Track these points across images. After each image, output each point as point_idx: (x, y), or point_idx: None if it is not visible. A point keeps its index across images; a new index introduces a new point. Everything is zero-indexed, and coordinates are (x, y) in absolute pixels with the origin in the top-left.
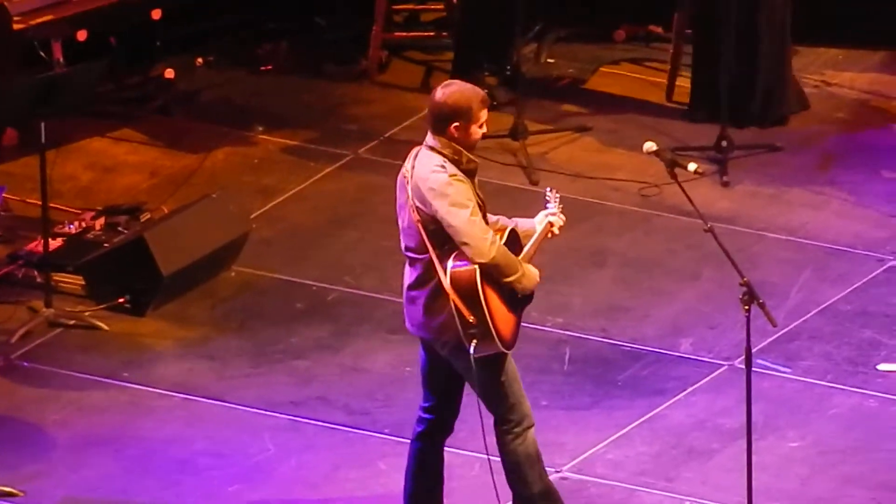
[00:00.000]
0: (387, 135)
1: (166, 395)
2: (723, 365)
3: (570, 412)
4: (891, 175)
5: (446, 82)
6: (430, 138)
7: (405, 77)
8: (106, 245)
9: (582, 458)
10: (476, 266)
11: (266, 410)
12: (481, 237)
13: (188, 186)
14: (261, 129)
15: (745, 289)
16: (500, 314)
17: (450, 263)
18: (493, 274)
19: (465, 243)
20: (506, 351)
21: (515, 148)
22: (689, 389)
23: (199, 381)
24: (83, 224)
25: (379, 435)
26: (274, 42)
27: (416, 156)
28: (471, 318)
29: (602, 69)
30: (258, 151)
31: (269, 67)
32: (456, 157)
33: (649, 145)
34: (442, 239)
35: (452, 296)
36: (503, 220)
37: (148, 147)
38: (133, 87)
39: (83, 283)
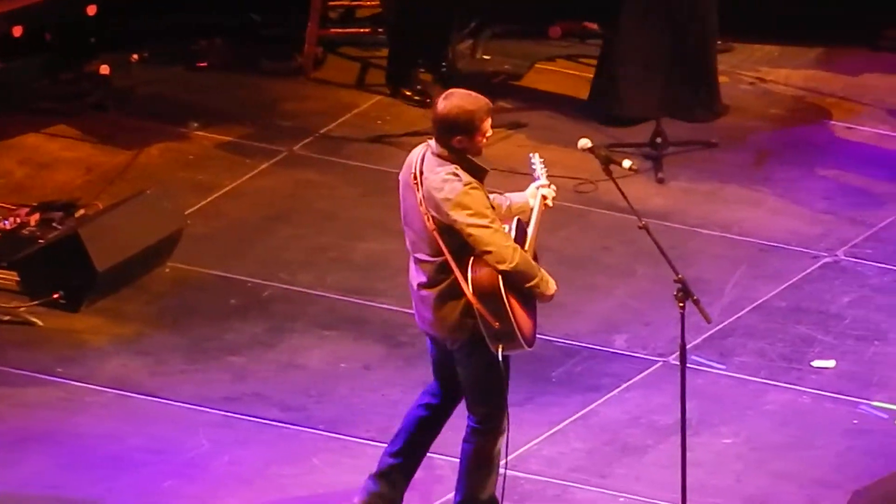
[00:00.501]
0: (322, 131)
1: (101, 391)
2: (657, 361)
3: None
4: (825, 172)
5: (448, 92)
6: (435, 146)
7: (340, 74)
8: (41, 241)
9: (516, 454)
10: (499, 273)
11: (201, 406)
12: (503, 245)
13: (123, 182)
14: (196, 125)
15: (679, 285)
16: (521, 315)
17: (469, 271)
18: (514, 280)
19: (488, 252)
20: (529, 349)
21: None
22: (624, 386)
23: (133, 377)
24: (17, 220)
25: (313, 431)
26: (209, 38)
27: (423, 159)
28: (496, 324)
29: (537, 65)
30: (193, 148)
31: (205, 64)
32: (464, 165)
33: (584, 142)
34: (458, 243)
35: (476, 303)
36: (498, 198)
37: (83, 143)
38: (68, 83)
39: (17, 279)
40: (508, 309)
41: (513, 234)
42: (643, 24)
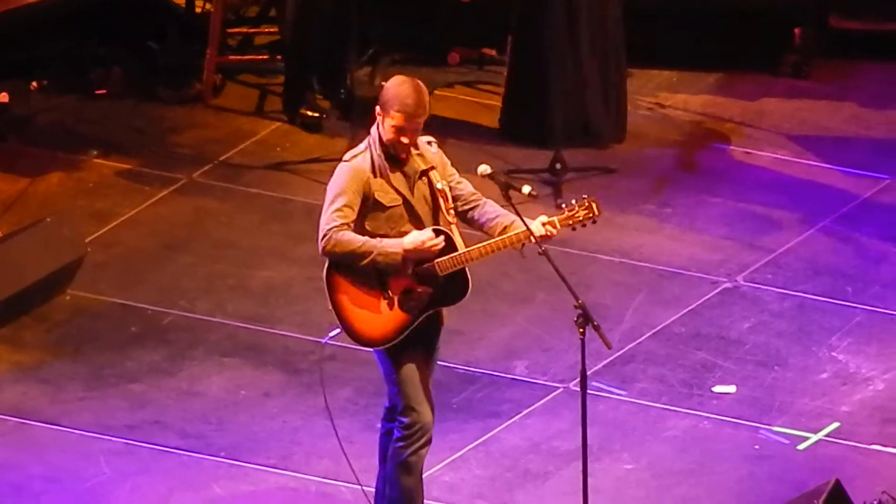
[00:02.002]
0: (221, 158)
1: (1, 419)
2: (558, 387)
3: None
4: (724, 197)
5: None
6: None
7: (239, 101)
8: None
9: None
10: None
11: (101, 434)
12: (322, 226)
13: (22, 211)
14: (95, 153)
15: (580, 311)
16: (356, 307)
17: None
18: (341, 263)
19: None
20: (360, 346)
21: None
22: (524, 412)
23: (33, 405)
24: None
25: (214, 458)
26: (107, 67)
27: None
28: (329, 306)
29: (436, 92)
30: (92, 176)
31: (104, 92)
32: (375, 145)
33: (483, 168)
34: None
35: (326, 286)
36: (503, 218)
37: None
38: None
39: None
40: (329, 296)
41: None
42: (554, 48)
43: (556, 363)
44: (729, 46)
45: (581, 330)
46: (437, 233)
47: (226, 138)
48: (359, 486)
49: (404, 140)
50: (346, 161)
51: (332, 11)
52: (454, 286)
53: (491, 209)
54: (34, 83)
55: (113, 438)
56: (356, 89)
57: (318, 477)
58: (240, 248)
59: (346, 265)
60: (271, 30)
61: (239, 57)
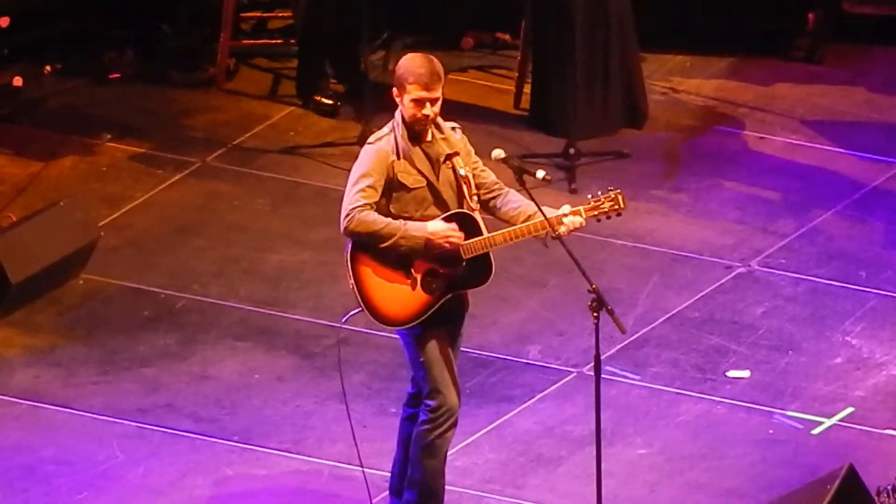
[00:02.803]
0: (234, 142)
1: (13, 402)
2: (571, 372)
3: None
4: (737, 182)
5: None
6: None
7: (253, 85)
8: None
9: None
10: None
11: (113, 418)
12: (346, 206)
13: (35, 194)
14: (108, 136)
15: (593, 295)
16: (379, 288)
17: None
18: (364, 244)
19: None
20: (383, 325)
21: None
22: (538, 396)
23: (46, 389)
24: None
25: (226, 442)
26: (120, 50)
27: None
28: (351, 284)
29: (449, 76)
30: (105, 159)
31: (117, 76)
32: (398, 126)
33: (497, 152)
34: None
35: (347, 263)
36: (526, 207)
37: None
38: None
39: None
40: (351, 276)
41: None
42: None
43: (568, 347)
44: (742, 31)
45: (595, 314)
46: (463, 216)
47: (239, 122)
48: (367, 470)
49: (425, 112)
50: (370, 143)
51: None
52: (477, 270)
53: (514, 198)
54: (48, 66)
55: (125, 422)
56: (369, 74)
57: (331, 461)
58: (252, 231)
59: (369, 245)
60: (285, 14)
61: (252, 41)
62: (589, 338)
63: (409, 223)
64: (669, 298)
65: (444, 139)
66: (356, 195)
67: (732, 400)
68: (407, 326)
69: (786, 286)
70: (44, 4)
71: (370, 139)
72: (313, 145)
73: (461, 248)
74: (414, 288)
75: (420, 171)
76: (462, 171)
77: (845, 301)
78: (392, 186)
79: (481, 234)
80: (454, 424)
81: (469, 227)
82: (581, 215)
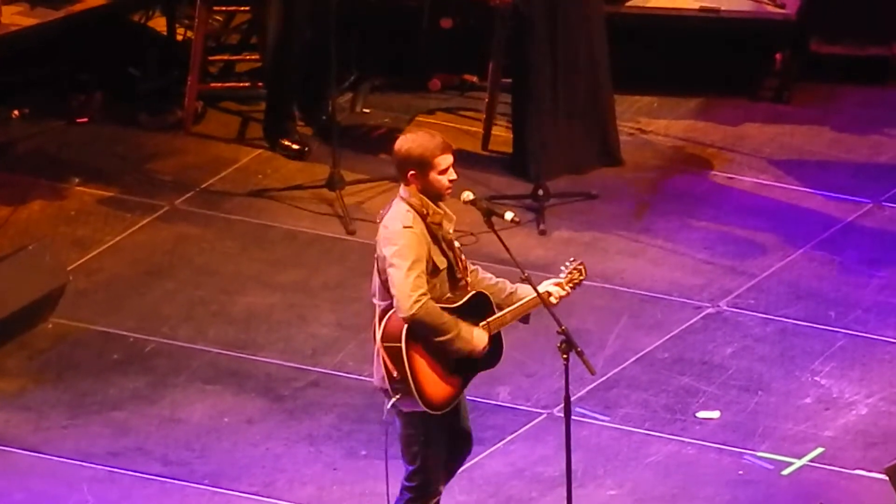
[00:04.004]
0: (203, 186)
1: None
2: (541, 413)
3: (390, 461)
4: (706, 222)
5: (411, 132)
6: (401, 188)
7: (221, 128)
8: None
9: None
10: (406, 324)
11: (83, 461)
12: (407, 292)
13: (4, 238)
14: (77, 180)
15: (563, 337)
16: (427, 374)
17: (388, 317)
18: (421, 334)
19: (394, 294)
20: (429, 410)
21: (332, 198)
22: (508, 438)
23: (15, 433)
24: None
25: (196, 485)
26: (88, 93)
27: (392, 204)
28: (395, 373)
29: (417, 118)
30: (74, 203)
31: (85, 119)
32: (423, 210)
33: (466, 195)
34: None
35: (381, 348)
36: (506, 283)
37: None
38: None
39: None
40: (405, 360)
41: (462, 303)
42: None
43: (538, 389)
44: (710, 71)
45: (564, 356)
46: (480, 295)
47: (207, 165)
48: None
49: (452, 177)
50: (407, 227)
51: (313, 38)
52: (493, 349)
53: (486, 276)
54: (15, 111)
55: (95, 466)
56: (337, 116)
57: (302, 503)
58: (221, 274)
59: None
60: (252, 57)
61: (220, 84)
62: (559, 379)
63: (463, 325)
64: (639, 339)
65: (444, 214)
66: (416, 280)
67: (703, 441)
68: (446, 411)
69: (755, 326)
70: (11, 49)
71: (404, 224)
72: (282, 188)
73: (488, 327)
74: (449, 371)
75: (444, 252)
76: (458, 246)
77: (814, 341)
78: (428, 269)
79: (493, 310)
80: (429, 498)
81: (484, 304)
82: (564, 288)
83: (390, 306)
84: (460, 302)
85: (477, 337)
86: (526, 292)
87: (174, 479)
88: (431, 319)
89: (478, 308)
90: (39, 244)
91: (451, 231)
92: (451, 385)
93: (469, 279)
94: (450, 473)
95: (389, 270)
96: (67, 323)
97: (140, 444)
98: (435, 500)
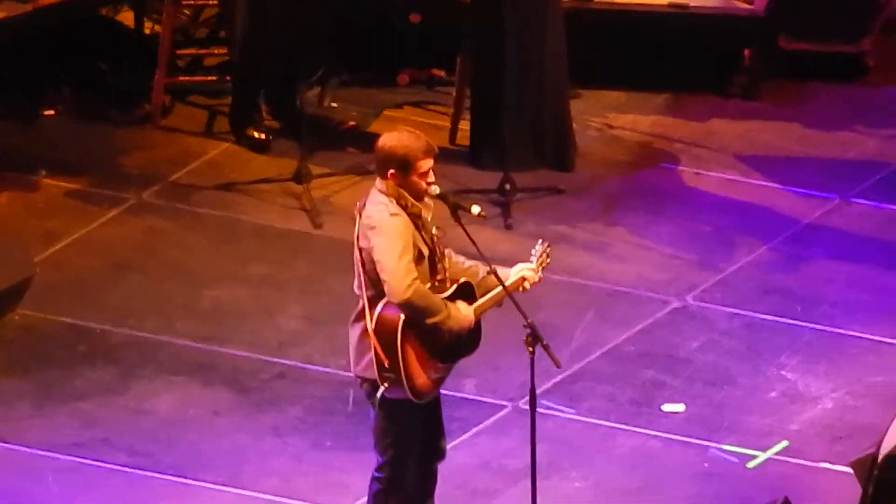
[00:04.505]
0: (170, 179)
1: None
2: (506, 406)
3: (354, 453)
4: (673, 217)
5: (397, 129)
6: (377, 181)
7: (188, 121)
8: None
9: (366, 498)
10: (402, 314)
11: (49, 452)
12: (401, 277)
13: None
14: (44, 173)
15: (529, 330)
16: (416, 362)
17: (380, 307)
18: (415, 317)
19: (385, 280)
20: (414, 399)
21: (299, 192)
22: (473, 430)
23: None
24: None
25: (162, 476)
26: (57, 87)
27: (369, 194)
28: (386, 362)
29: (385, 113)
30: (42, 196)
31: (52, 112)
32: (402, 201)
33: (433, 188)
34: (376, 280)
35: (373, 338)
36: (478, 266)
37: None
38: None
39: None
40: (399, 350)
41: (451, 292)
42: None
43: (504, 381)
44: (678, 67)
45: (530, 349)
46: (465, 284)
47: (175, 159)
48: None
49: (431, 180)
50: (394, 214)
51: (281, 33)
52: (472, 334)
53: (459, 259)
54: None
55: (61, 456)
56: (305, 111)
57: (268, 495)
58: (189, 267)
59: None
60: (220, 51)
61: (188, 78)
62: (524, 372)
63: (451, 305)
64: (605, 333)
65: (424, 206)
66: (408, 265)
67: (668, 434)
68: (430, 398)
69: (721, 321)
70: None
71: (390, 212)
72: (249, 182)
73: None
74: (433, 359)
75: (426, 242)
76: (436, 234)
77: (781, 335)
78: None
79: (476, 298)
80: (400, 490)
81: (468, 293)
82: (537, 272)
83: (376, 296)
84: (449, 291)
85: (466, 313)
86: (500, 276)
87: (140, 469)
88: (425, 301)
89: (464, 296)
90: (6, 236)
91: (429, 219)
92: (437, 372)
93: (446, 265)
94: (428, 477)
95: (379, 258)
96: (34, 314)
97: (106, 435)
98: (403, 494)
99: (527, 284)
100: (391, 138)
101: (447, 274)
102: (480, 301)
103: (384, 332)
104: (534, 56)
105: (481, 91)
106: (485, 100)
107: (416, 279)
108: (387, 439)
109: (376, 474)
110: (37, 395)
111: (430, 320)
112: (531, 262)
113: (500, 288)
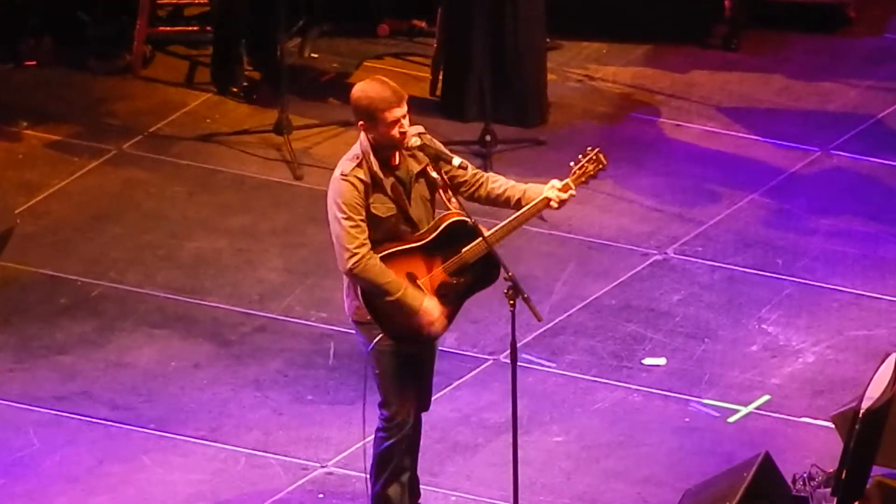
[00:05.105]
0: (150, 130)
1: None
2: (487, 360)
3: (335, 407)
4: (654, 169)
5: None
6: (361, 133)
7: (169, 72)
8: None
9: (347, 452)
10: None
11: (29, 405)
12: (344, 244)
13: None
14: (24, 124)
15: (509, 283)
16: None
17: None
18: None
19: (335, 249)
20: (409, 345)
21: (279, 143)
22: (454, 384)
23: None
24: None
25: (143, 430)
26: (37, 37)
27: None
28: (368, 316)
29: (366, 64)
30: (21, 147)
31: (33, 63)
32: (375, 156)
33: (414, 140)
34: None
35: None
36: (514, 188)
37: None
38: None
39: None
40: (377, 300)
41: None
42: (471, 27)
43: (485, 335)
44: (659, 18)
45: (511, 302)
46: (463, 223)
47: (155, 109)
48: (283, 457)
49: (403, 130)
50: (344, 175)
51: None
52: (486, 267)
53: (496, 184)
54: None
55: (42, 410)
56: (286, 61)
57: (248, 448)
58: (169, 219)
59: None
60: (201, 1)
61: (169, 28)
62: (505, 325)
63: (409, 288)
64: (586, 286)
65: (411, 156)
66: (352, 230)
67: (649, 388)
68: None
69: (702, 274)
70: None
71: (342, 172)
72: (230, 133)
73: (464, 257)
74: (444, 303)
75: (393, 199)
76: (436, 177)
77: (762, 289)
78: (367, 218)
79: (477, 235)
80: (405, 436)
81: (461, 233)
82: (571, 187)
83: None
84: (432, 236)
85: (427, 301)
86: (534, 194)
87: (121, 423)
88: (371, 276)
89: (454, 238)
90: None
91: (414, 172)
92: (445, 317)
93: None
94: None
95: (330, 218)
96: (15, 266)
97: (87, 388)
98: (409, 443)
99: (553, 204)
100: (357, 89)
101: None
102: (473, 244)
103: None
104: (507, 11)
105: (451, 45)
106: (454, 54)
107: (362, 246)
108: (381, 379)
109: (379, 415)
110: (17, 347)
111: (382, 298)
112: (567, 179)
113: (512, 218)
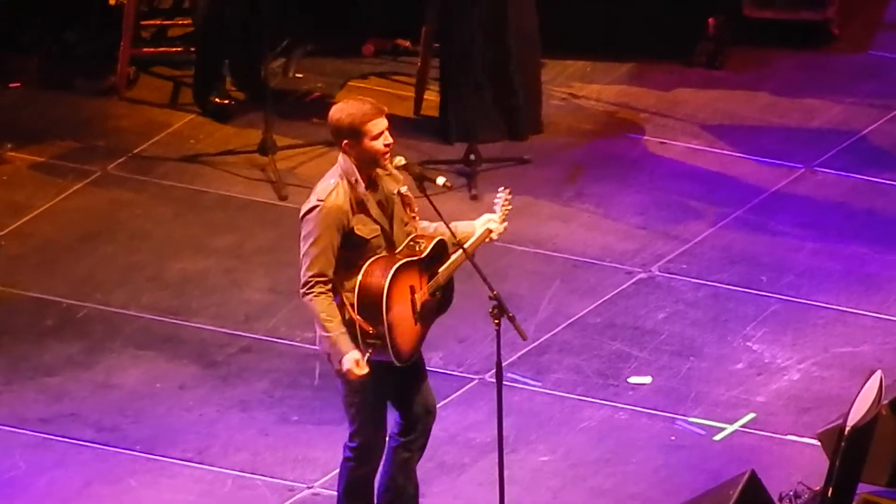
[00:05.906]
0: (135, 151)
1: None
2: (473, 379)
3: (321, 427)
4: (639, 187)
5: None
6: (340, 156)
7: (153, 93)
8: None
9: (333, 473)
10: (387, 280)
11: (16, 427)
12: (304, 272)
13: None
14: (9, 145)
15: (494, 302)
16: (399, 326)
17: (360, 276)
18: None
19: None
20: (397, 363)
21: (264, 163)
22: (440, 403)
23: None
24: None
25: (130, 452)
26: (23, 57)
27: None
28: (370, 329)
29: (350, 83)
30: (7, 168)
31: (18, 84)
32: (355, 176)
33: (398, 159)
34: (343, 255)
35: (357, 306)
36: (443, 227)
37: None
38: None
39: None
40: (384, 314)
41: (428, 252)
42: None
43: (471, 354)
44: (643, 36)
45: (496, 321)
46: (442, 243)
47: (140, 130)
48: (269, 479)
49: (388, 141)
50: (320, 202)
51: (246, 2)
52: (446, 293)
53: (431, 227)
54: None
55: (28, 432)
56: (270, 81)
57: (235, 470)
58: (155, 239)
59: (398, 278)
60: (185, 22)
61: (152, 49)
62: (491, 344)
63: (342, 337)
64: (571, 304)
65: (388, 175)
66: (315, 259)
67: (635, 406)
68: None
69: (687, 291)
70: None
71: (319, 197)
72: (214, 153)
73: (441, 276)
74: (416, 322)
75: (375, 220)
76: (403, 189)
77: (747, 306)
78: (350, 239)
79: (448, 257)
80: (368, 461)
81: (442, 252)
82: (502, 222)
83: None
84: (425, 253)
85: (350, 354)
86: (464, 230)
87: (107, 445)
88: (316, 310)
89: (438, 256)
90: None
91: (396, 191)
92: (416, 335)
93: (416, 227)
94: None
95: (301, 241)
96: (1, 288)
97: (74, 409)
98: (371, 466)
99: (493, 235)
100: (336, 110)
101: (419, 236)
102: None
103: (367, 298)
104: (501, 26)
105: (448, 63)
106: (451, 72)
107: (319, 276)
108: (352, 408)
109: (347, 444)
110: (4, 369)
111: (320, 332)
112: (495, 212)
113: (454, 256)
